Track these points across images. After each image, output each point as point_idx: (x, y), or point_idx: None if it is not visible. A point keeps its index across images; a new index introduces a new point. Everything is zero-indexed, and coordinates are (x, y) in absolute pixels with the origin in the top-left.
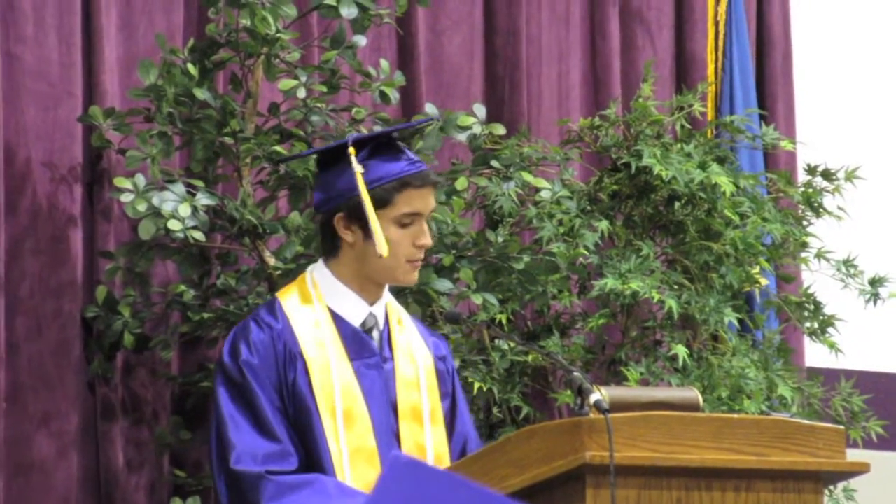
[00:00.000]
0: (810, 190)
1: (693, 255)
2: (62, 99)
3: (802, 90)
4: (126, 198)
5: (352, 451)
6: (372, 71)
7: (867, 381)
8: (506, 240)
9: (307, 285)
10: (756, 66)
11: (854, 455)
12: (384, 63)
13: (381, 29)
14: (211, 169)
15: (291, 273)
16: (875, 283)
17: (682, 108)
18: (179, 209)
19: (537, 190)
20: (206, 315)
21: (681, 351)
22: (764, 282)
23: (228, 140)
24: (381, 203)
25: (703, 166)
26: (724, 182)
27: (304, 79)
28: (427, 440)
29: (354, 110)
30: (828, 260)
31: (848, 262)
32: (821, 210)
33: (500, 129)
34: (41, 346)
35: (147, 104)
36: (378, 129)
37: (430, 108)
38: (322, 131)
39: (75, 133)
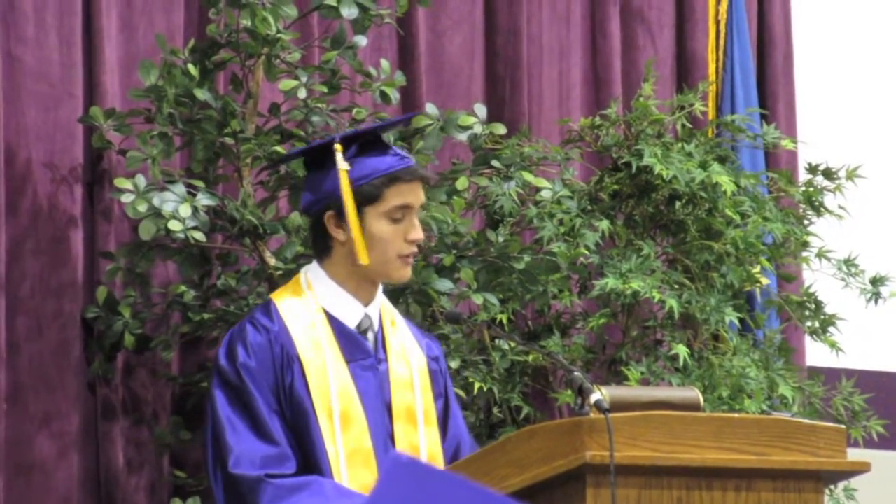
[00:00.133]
0: (811, 189)
1: (694, 255)
2: (63, 100)
3: (803, 89)
4: (126, 198)
5: (349, 453)
6: (372, 71)
7: (868, 381)
8: (506, 239)
9: (301, 286)
10: (757, 65)
11: (855, 454)
12: (385, 63)
13: (381, 29)
14: (211, 169)
15: (292, 273)
16: (876, 282)
17: (682, 108)
18: (180, 210)
19: (538, 190)
20: (206, 315)
21: (681, 350)
22: (765, 281)
23: (229, 140)
24: (370, 199)
25: (703, 166)
26: (725, 181)
27: (304, 79)
28: (421, 441)
29: (355, 110)
30: (829, 259)
31: (849, 262)
32: (822, 209)
33: (500, 129)
34: (42, 347)
35: (147, 105)
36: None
37: (430, 108)
38: (323, 132)
39: (76, 134)
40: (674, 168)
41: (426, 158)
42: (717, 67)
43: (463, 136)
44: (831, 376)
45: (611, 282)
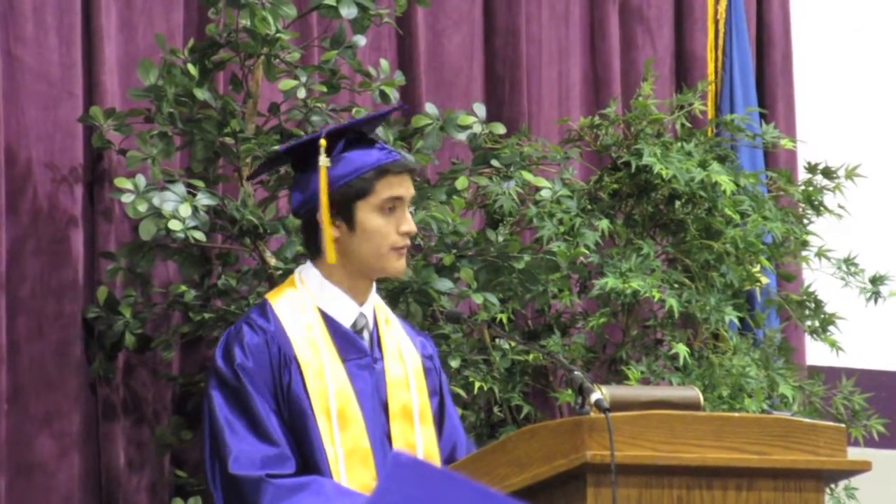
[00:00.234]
0: (811, 188)
1: (693, 254)
2: (62, 99)
3: (802, 88)
4: (127, 198)
5: (347, 453)
6: (372, 71)
7: (868, 380)
8: (506, 239)
9: (297, 287)
10: (756, 65)
11: (855, 453)
12: (384, 63)
13: (380, 29)
14: (211, 169)
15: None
16: (876, 281)
17: (682, 107)
18: (180, 209)
19: (537, 189)
20: (207, 315)
21: (681, 350)
22: (765, 280)
23: (229, 140)
24: (361, 193)
25: (703, 165)
26: (725, 181)
27: (304, 79)
28: (417, 439)
29: (355, 110)
30: (828, 258)
31: (848, 261)
32: (821, 208)
33: (500, 129)
34: (42, 347)
35: (147, 104)
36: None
37: (430, 108)
38: None
39: (76, 133)
40: (673, 167)
41: (426, 158)
42: (716, 67)
43: (462, 136)
44: (831, 375)
45: (611, 281)
